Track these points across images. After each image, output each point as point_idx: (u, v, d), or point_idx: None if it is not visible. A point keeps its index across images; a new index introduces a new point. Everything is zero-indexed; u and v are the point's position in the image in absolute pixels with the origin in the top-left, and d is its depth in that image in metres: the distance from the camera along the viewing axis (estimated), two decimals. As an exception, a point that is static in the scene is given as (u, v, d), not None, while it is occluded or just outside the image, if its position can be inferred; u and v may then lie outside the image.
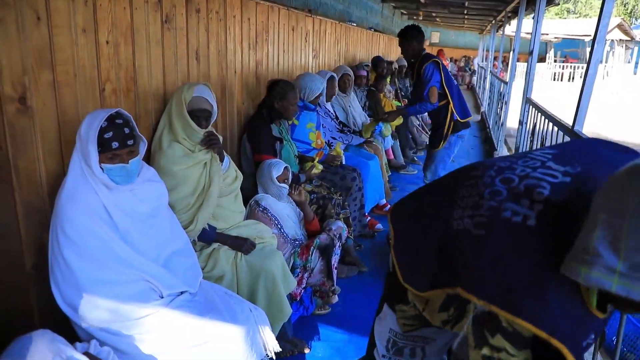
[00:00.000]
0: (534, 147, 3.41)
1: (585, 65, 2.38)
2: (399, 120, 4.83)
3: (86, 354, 1.32)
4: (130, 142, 1.61)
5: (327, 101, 4.13)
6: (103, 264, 1.57)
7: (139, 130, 1.71)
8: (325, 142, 3.73)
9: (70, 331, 1.56)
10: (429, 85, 3.49)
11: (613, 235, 0.76)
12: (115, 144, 1.58)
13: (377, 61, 6.43)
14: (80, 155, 1.58)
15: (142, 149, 1.71)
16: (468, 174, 1.11)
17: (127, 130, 1.61)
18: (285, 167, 2.68)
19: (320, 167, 3.31)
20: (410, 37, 3.61)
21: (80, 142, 1.57)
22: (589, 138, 1.43)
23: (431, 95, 3.50)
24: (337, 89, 4.32)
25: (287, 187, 2.69)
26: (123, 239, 1.63)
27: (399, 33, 3.72)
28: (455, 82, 3.71)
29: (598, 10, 2.35)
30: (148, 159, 2.13)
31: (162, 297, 1.68)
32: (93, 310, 1.53)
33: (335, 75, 4.16)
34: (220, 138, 2.22)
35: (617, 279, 0.76)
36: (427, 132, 3.99)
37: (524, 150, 3.93)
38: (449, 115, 3.59)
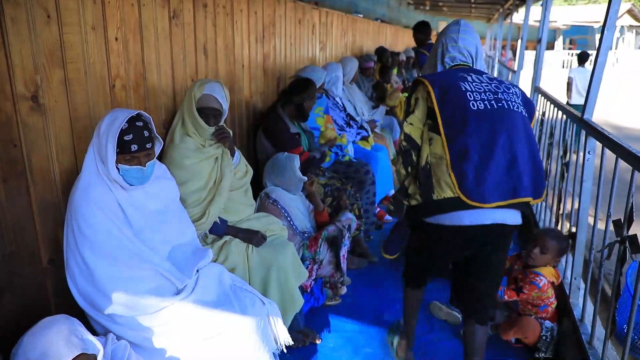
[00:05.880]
0: (543, 136, 3.38)
1: (594, 52, 2.35)
2: (396, 101, 5.46)
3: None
4: (149, 146, 1.63)
5: (343, 86, 4.28)
6: (118, 260, 1.59)
7: (149, 125, 1.72)
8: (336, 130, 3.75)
9: (86, 325, 1.59)
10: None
11: None
12: (134, 147, 1.58)
13: (380, 52, 6.40)
14: (97, 153, 1.60)
15: (158, 149, 1.73)
16: None
17: (146, 134, 1.62)
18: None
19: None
20: (415, 30, 5.13)
21: (98, 139, 1.58)
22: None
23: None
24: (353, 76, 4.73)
25: (306, 177, 2.72)
26: (137, 236, 1.65)
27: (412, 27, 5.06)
28: None
29: (608, -3, 2.32)
30: (160, 152, 2.15)
31: (178, 293, 1.69)
32: (110, 306, 1.56)
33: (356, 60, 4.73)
34: (231, 132, 2.23)
35: None
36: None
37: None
38: None
